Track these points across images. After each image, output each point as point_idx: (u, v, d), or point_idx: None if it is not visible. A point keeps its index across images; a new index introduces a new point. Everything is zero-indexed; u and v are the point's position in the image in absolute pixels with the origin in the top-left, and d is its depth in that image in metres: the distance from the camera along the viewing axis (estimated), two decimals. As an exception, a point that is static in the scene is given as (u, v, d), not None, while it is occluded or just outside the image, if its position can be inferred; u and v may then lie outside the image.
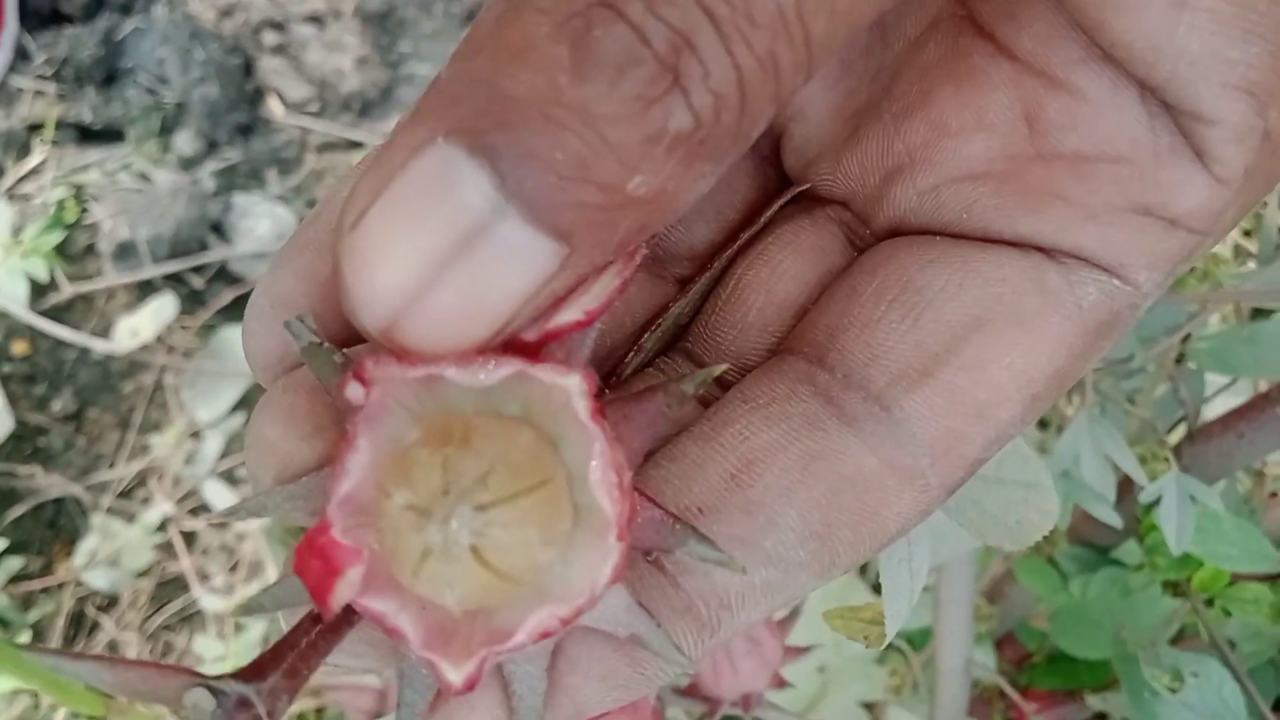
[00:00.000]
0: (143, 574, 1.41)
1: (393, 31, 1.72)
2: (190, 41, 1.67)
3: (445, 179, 0.17)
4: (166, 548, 1.43)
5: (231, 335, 1.51)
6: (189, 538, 1.43)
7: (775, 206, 0.27)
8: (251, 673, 0.19)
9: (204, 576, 1.41)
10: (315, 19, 1.71)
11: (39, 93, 1.67)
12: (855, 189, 0.26)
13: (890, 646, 0.72)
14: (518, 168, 0.17)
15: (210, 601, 1.37)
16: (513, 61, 0.17)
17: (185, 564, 1.41)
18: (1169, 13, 0.20)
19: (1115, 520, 0.55)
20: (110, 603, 1.40)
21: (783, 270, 0.26)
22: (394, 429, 0.20)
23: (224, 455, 1.46)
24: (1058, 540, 0.68)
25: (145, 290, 1.57)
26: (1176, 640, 0.66)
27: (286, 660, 0.20)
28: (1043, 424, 0.58)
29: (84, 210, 1.61)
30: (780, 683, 0.49)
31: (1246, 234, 0.91)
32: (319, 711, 1.21)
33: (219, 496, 1.41)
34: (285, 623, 0.22)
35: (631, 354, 0.26)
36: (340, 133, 1.67)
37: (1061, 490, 0.53)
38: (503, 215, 0.17)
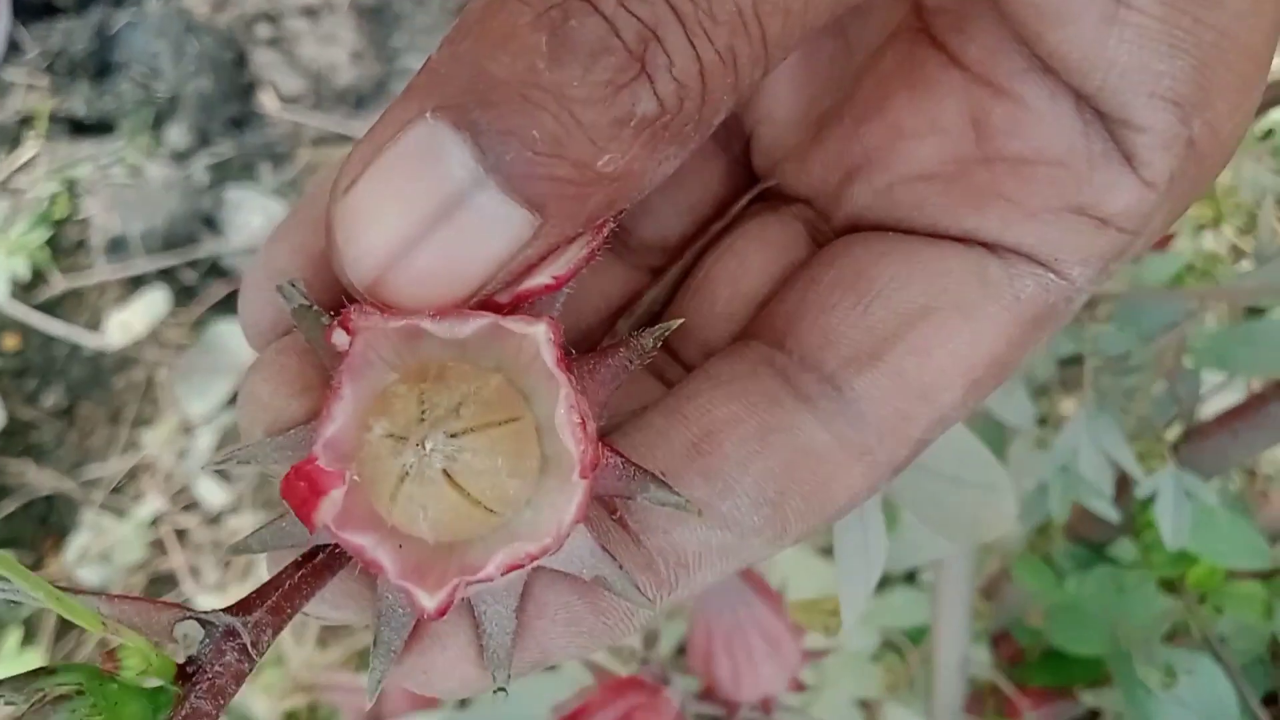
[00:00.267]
0: (134, 570, 1.41)
1: (387, 25, 1.72)
2: (183, 34, 1.67)
3: (431, 151, 0.19)
4: (158, 544, 1.43)
5: (224, 330, 1.50)
6: (181, 534, 1.43)
7: (742, 201, 0.29)
8: (239, 608, 0.21)
9: (196, 573, 1.40)
10: (309, 12, 1.70)
11: (31, 86, 1.67)
12: (817, 187, 0.28)
13: (887, 644, 0.72)
14: (497, 143, 0.19)
15: (202, 598, 1.37)
16: (496, 46, 0.19)
17: (177, 560, 1.41)
18: (1101, 28, 0.22)
19: (1114, 516, 0.55)
20: (101, 598, 1.40)
21: (749, 263, 0.28)
22: (375, 381, 0.21)
23: (216, 450, 1.45)
24: (1054, 538, 0.68)
25: (137, 284, 1.56)
26: (1169, 638, 0.66)
27: (271, 598, 0.21)
28: (1042, 420, 0.58)
29: (75, 204, 1.60)
30: (799, 686, 0.49)
31: (1243, 232, 0.92)
32: (311, 710, 1.21)
33: (211, 493, 1.41)
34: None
35: (606, 338, 0.28)
36: (334, 126, 1.66)
37: (1060, 485, 0.53)
38: (482, 186, 0.19)
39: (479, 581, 0.21)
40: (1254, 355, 0.50)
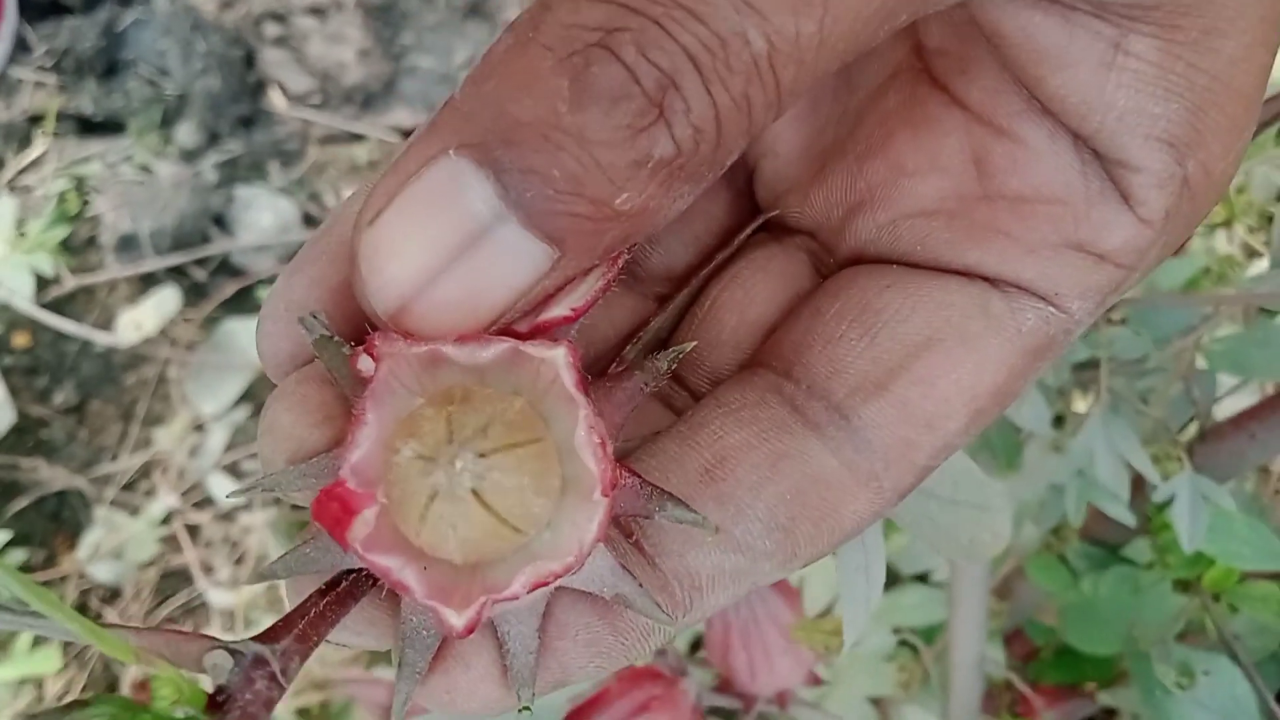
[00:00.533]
0: (146, 566, 1.42)
1: (395, 24, 1.71)
2: (191, 33, 1.67)
3: (454, 186, 0.20)
4: (170, 541, 1.43)
5: (235, 328, 1.51)
6: (193, 531, 1.44)
7: (746, 232, 0.30)
8: (266, 636, 0.21)
9: (208, 569, 1.41)
10: (317, 11, 1.70)
11: (39, 84, 1.67)
12: (821, 221, 0.29)
13: (900, 642, 0.72)
14: (519, 180, 0.20)
15: (215, 594, 1.37)
16: (519, 89, 0.20)
17: (190, 556, 1.41)
18: (1099, 72, 0.23)
19: (1130, 519, 0.55)
20: (114, 595, 1.41)
21: (755, 293, 0.29)
22: (398, 407, 0.22)
23: (228, 448, 1.46)
24: (1069, 538, 0.69)
25: (147, 283, 1.57)
26: (1183, 636, 0.66)
27: (298, 626, 0.22)
28: (1058, 420, 0.59)
29: (85, 202, 1.61)
30: (815, 680, 0.50)
31: (1252, 230, 0.91)
32: (323, 705, 1.22)
33: (223, 489, 1.42)
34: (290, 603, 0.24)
35: (614, 365, 0.28)
36: (342, 125, 1.66)
37: (1076, 488, 0.54)
38: (503, 220, 0.20)
39: (505, 600, 0.21)
40: (1269, 358, 0.50)
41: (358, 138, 1.67)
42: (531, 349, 0.21)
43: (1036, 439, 0.56)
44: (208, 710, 0.20)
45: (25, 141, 1.65)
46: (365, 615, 0.24)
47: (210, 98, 1.64)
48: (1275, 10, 0.23)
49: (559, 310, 0.22)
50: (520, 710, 0.23)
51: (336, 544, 0.22)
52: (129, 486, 1.47)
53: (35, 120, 1.66)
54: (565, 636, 0.23)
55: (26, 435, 1.49)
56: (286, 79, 1.67)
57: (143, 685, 0.21)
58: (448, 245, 0.20)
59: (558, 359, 0.21)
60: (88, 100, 1.65)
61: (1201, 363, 0.55)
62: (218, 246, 1.58)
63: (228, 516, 1.44)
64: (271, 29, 1.70)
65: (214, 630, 1.37)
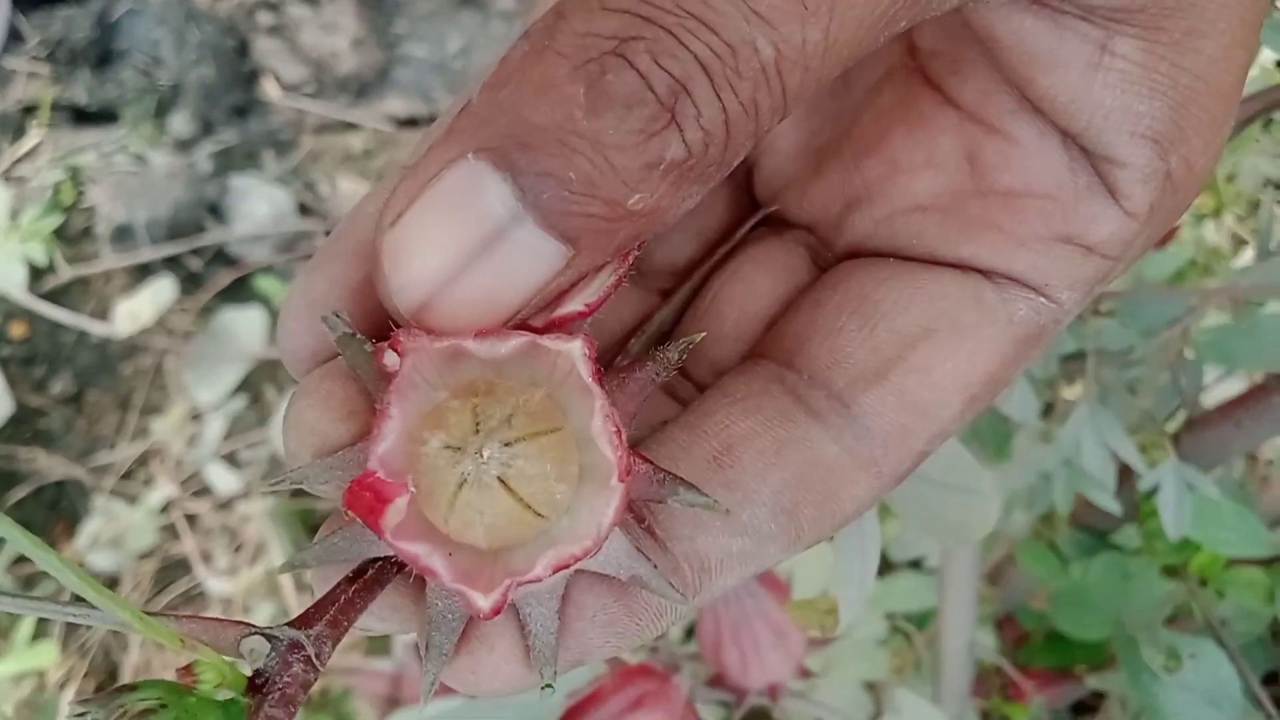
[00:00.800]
0: (146, 555, 1.42)
1: (389, 13, 1.72)
2: (185, 22, 1.67)
3: (473, 189, 0.21)
4: (169, 529, 1.44)
5: (231, 317, 1.51)
6: (191, 520, 1.44)
7: (746, 227, 0.31)
8: (300, 622, 0.22)
9: (207, 558, 1.42)
10: (310, 0, 1.70)
11: (33, 74, 1.67)
12: (819, 216, 0.30)
13: (893, 627, 0.73)
14: (535, 183, 0.20)
15: (214, 583, 1.38)
16: (536, 95, 0.20)
17: (188, 546, 1.42)
18: (1087, 73, 0.24)
19: (1116, 509, 0.56)
20: (113, 584, 1.41)
21: (755, 286, 0.30)
22: (420, 401, 0.23)
23: (226, 437, 1.47)
24: (1058, 524, 0.70)
25: (143, 273, 1.57)
26: (1171, 621, 0.68)
27: (329, 612, 0.23)
28: (1048, 407, 0.60)
29: (80, 193, 1.61)
30: (805, 673, 0.51)
31: (1240, 220, 0.93)
32: (323, 693, 1.23)
33: (221, 479, 1.42)
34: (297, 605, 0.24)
35: (619, 357, 0.30)
36: (336, 114, 1.67)
37: (1064, 478, 0.55)
38: (520, 221, 0.21)
39: (528, 582, 0.22)
40: (1255, 349, 0.51)
41: (352, 126, 1.67)
42: (549, 342, 0.22)
43: (1025, 429, 0.57)
44: (248, 692, 0.21)
45: (20, 132, 1.65)
46: (390, 601, 0.24)
47: (204, 87, 1.64)
48: (1253, 13, 0.24)
49: (573, 306, 0.23)
50: (543, 688, 0.24)
51: (362, 534, 0.23)
52: (127, 476, 1.48)
53: (29, 111, 1.66)
54: (584, 618, 0.24)
55: (24, 425, 1.50)
56: (280, 68, 1.67)
57: (185, 669, 0.21)
58: (467, 245, 0.21)
59: (574, 351, 0.22)
60: (82, 90, 1.65)
61: (1189, 353, 0.56)
62: (213, 236, 1.58)
63: (226, 505, 1.44)
64: (265, 18, 1.69)
65: (213, 618, 1.37)
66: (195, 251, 1.58)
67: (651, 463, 0.24)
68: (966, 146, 0.27)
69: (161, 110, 1.65)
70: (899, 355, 0.26)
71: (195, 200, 1.59)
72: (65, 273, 1.55)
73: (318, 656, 0.22)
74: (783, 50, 0.20)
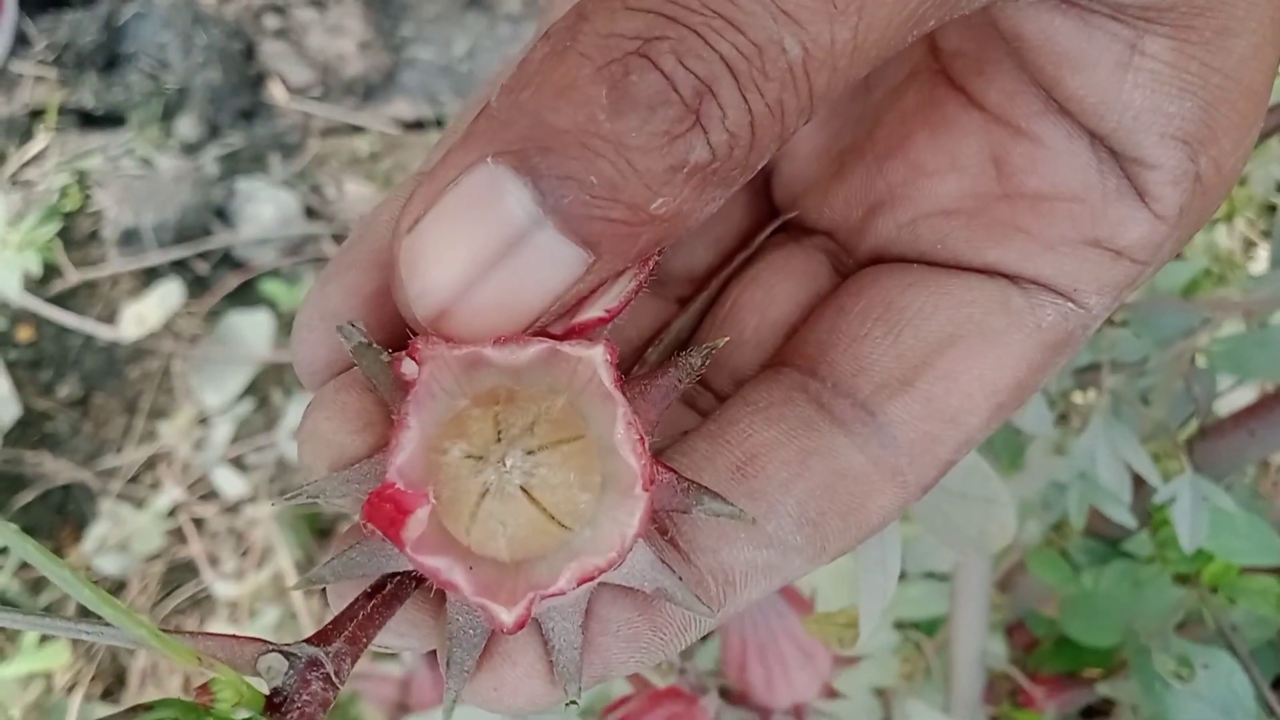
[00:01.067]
0: (152, 559, 1.42)
1: (395, 15, 1.72)
2: (191, 26, 1.67)
3: (492, 193, 0.20)
4: (176, 533, 1.44)
5: (238, 321, 1.51)
6: (198, 523, 1.44)
7: (766, 233, 0.30)
8: (318, 639, 0.22)
9: (214, 562, 1.42)
10: (317, 3, 1.70)
11: (40, 78, 1.67)
12: (840, 221, 0.29)
13: (902, 635, 0.73)
14: (556, 187, 0.20)
15: (221, 587, 1.38)
16: (557, 96, 0.20)
17: (195, 549, 1.42)
18: (1116, 73, 0.23)
19: (1130, 521, 0.56)
20: (120, 588, 1.41)
21: (775, 293, 0.29)
22: (438, 410, 0.23)
23: (233, 441, 1.47)
24: (1070, 532, 0.69)
25: (150, 276, 1.57)
26: (1182, 628, 0.67)
27: (348, 629, 0.22)
28: (1063, 418, 0.59)
29: (87, 196, 1.61)
30: (832, 693, 0.50)
31: (1251, 223, 0.92)
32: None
33: (228, 482, 1.42)
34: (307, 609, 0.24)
35: (636, 366, 0.29)
36: (343, 117, 1.67)
37: (1078, 491, 0.54)
38: (540, 226, 0.20)
39: (552, 595, 0.22)
40: (1269, 359, 0.51)
41: (358, 129, 1.67)
42: (569, 348, 0.22)
43: (1039, 441, 0.57)
44: (266, 711, 0.21)
45: (26, 136, 1.65)
46: (409, 617, 0.24)
47: (211, 90, 1.64)
48: None
49: (593, 312, 0.23)
50: (567, 705, 0.24)
51: (380, 548, 0.23)
52: (134, 479, 1.48)
53: (36, 114, 1.66)
54: (607, 632, 0.24)
55: (31, 429, 1.50)
56: (287, 71, 1.67)
57: (202, 688, 0.21)
58: (486, 250, 0.21)
59: (595, 358, 0.22)
60: (88, 94, 1.65)
61: (1202, 363, 0.56)
62: (219, 239, 1.58)
63: (233, 509, 1.44)
64: (271, 21, 1.70)
65: (219, 622, 1.37)
66: (202, 255, 1.58)
67: (675, 472, 0.24)
68: (992, 149, 0.26)
69: (168, 113, 1.65)
70: (925, 362, 0.25)
71: (202, 203, 1.59)
72: (72, 276, 1.55)
73: (336, 674, 0.22)
74: (811, 50, 0.20)
